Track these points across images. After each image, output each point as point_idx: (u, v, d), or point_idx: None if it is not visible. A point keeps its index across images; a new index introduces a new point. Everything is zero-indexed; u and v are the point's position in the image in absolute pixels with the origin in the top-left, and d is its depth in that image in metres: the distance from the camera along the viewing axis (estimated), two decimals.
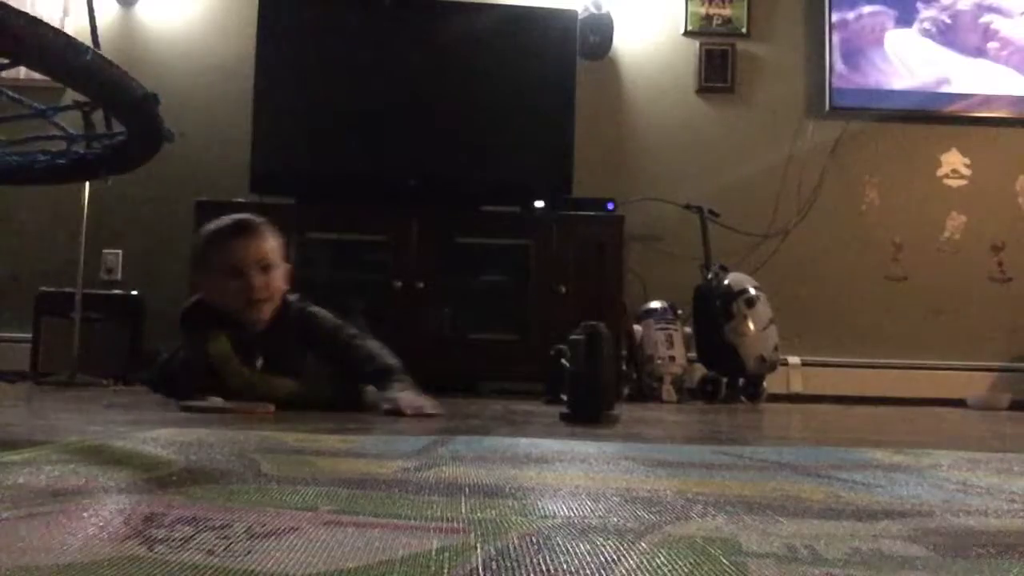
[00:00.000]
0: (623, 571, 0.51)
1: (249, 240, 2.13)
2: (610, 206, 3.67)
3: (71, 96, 1.20)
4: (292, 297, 2.21)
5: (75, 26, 3.73)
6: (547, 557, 0.53)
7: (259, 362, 2.13)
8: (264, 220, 2.19)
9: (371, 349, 2.17)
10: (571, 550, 0.55)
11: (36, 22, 0.91)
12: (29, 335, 3.46)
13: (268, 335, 2.14)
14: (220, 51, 4.04)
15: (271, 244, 2.15)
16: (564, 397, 2.03)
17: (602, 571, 0.50)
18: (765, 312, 3.42)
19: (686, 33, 4.20)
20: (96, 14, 1.37)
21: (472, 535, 0.59)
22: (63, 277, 3.45)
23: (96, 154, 1.38)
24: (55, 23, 3.75)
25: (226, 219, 2.19)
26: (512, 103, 3.76)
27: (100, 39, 1.33)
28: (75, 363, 3.19)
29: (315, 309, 2.21)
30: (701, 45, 4.19)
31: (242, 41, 3.84)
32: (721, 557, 0.55)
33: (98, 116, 1.31)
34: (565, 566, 0.51)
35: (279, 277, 2.15)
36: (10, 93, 1.30)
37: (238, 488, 0.77)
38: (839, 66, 4.16)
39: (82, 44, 1.00)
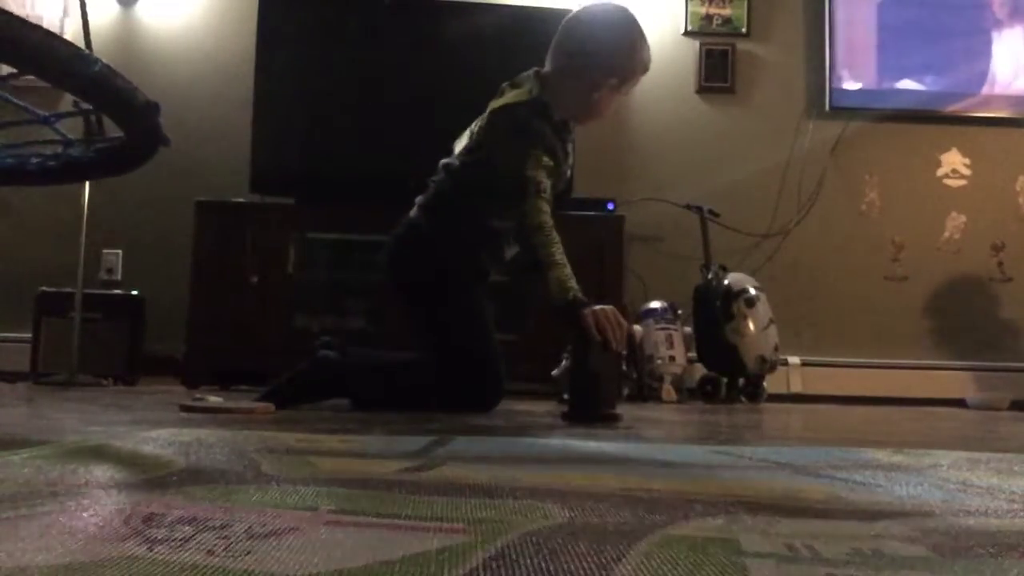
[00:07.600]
0: (623, 571, 0.51)
1: None
2: (610, 206, 3.67)
3: (70, 98, 1.21)
4: None
5: (74, 27, 3.73)
6: (547, 557, 0.53)
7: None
8: None
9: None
10: (571, 550, 0.55)
11: (50, 35, 0.93)
12: (29, 335, 3.46)
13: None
14: (220, 51, 4.03)
15: None
16: (565, 396, 2.04)
17: (602, 571, 0.50)
18: (765, 312, 3.41)
19: (686, 33, 4.20)
20: (95, 14, 1.38)
21: (472, 535, 0.59)
22: (63, 277, 3.45)
23: (89, 157, 1.38)
24: (54, 24, 3.76)
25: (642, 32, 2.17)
26: None
27: (101, 39, 1.34)
28: (75, 363, 3.19)
29: None
30: (701, 45, 4.19)
31: (242, 41, 3.83)
32: (721, 557, 0.54)
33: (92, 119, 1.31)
34: (565, 566, 0.51)
35: None
36: (14, 100, 1.30)
37: (238, 488, 0.77)
38: (839, 66, 4.16)
39: (91, 55, 1.02)
